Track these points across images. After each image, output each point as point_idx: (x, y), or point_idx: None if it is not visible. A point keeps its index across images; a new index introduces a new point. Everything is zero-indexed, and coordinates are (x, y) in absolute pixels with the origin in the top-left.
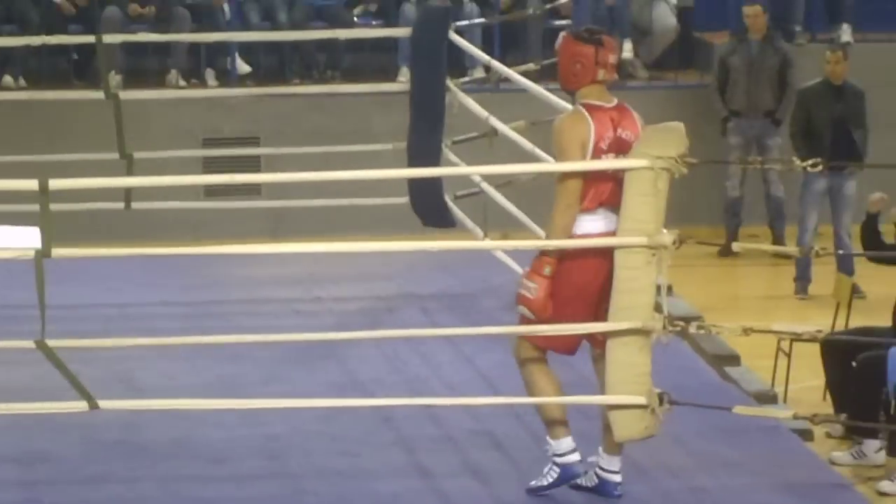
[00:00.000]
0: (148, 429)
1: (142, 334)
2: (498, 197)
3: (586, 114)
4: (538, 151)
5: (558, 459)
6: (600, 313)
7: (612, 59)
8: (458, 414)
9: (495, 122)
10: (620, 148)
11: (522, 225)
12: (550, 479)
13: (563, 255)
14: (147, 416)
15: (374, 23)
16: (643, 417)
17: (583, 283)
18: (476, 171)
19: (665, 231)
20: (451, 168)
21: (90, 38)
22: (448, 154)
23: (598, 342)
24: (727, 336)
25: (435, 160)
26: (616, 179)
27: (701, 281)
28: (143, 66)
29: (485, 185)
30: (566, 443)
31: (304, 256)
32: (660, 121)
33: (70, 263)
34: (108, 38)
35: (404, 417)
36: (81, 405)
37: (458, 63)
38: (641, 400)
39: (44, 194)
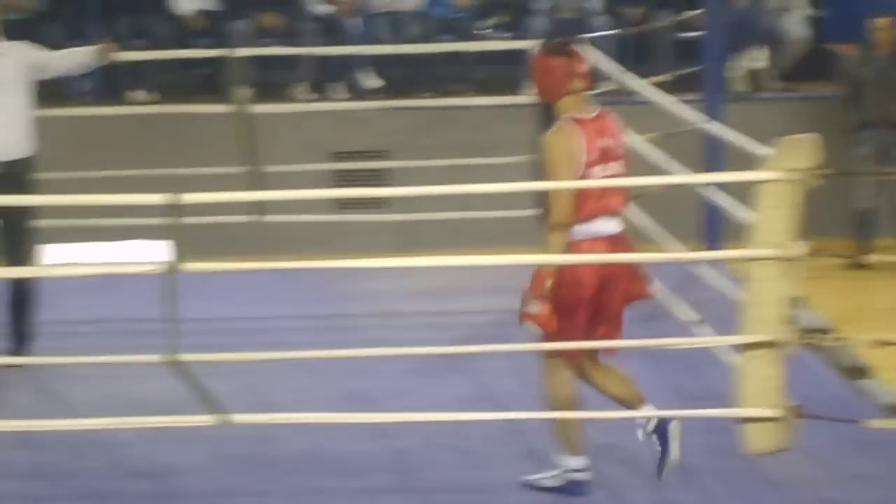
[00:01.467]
0: (278, 442)
1: (272, 348)
2: (629, 209)
3: (575, 127)
4: (670, 164)
5: (569, 474)
6: (598, 320)
7: (582, 68)
8: (588, 427)
9: (626, 135)
10: (607, 157)
11: (652, 237)
12: (552, 484)
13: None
14: (277, 429)
15: (502, 35)
16: (775, 430)
17: (581, 291)
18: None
19: (797, 243)
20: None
21: (220, 52)
22: None
23: (606, 352)
24: (859, 348)
25: None
26: (612, 189)
27: (832, 293)
28: (271, 80)
29: None
30: (581, 461)
31: (433, 269)
32: (791, 132)
33: (201, 277)
34: (238, 52)
35: (534, 430)
36: (212, 419)
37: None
38: (773, 413)
39: (176, 208)
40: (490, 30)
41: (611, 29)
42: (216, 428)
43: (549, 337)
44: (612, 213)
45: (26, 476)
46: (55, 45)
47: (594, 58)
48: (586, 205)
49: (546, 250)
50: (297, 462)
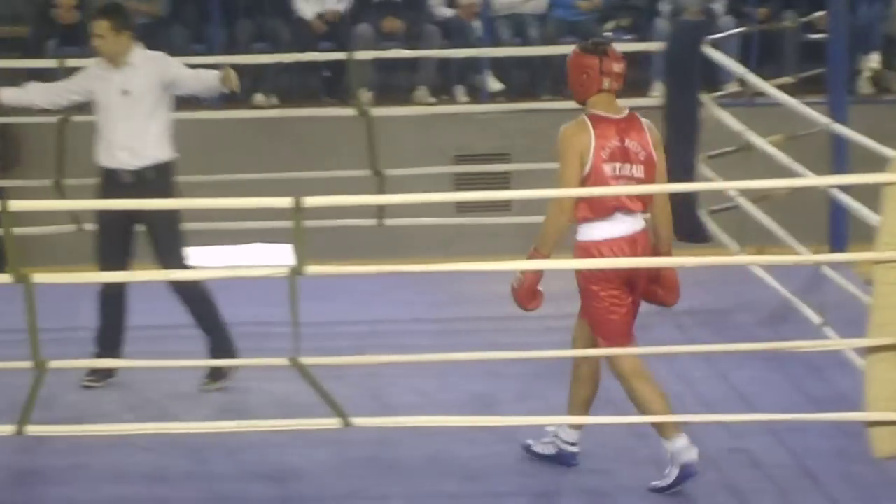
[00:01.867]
0: (400, 446)
1: (394, 351)
2: (754, 212)
3: (589, 123)
4: (795, 166)
5: (676, 458)
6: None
7: (616, 68)
8: (713, 431)
9: (751, 137)
10: (626, 158)
11: (779, 240)
12: (671, 479)
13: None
14: (399, 433)
15: (626, 38)
16: None
17: (612, 288)
18: (732, 185)
19: None
20: (707, 183)
21: (341, 55)
22: (703, 169)
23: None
24: None
25: (690, 175)
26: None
27: None
28: (393, 83)
29: (741, 200)
30: (681, 441)
31: (556, 272)
32: None
33: (322, 280)
34: (360, 55)
35: (656, 435)
36: (334, 422)
37: (713, 77)
38: None
39: (298, 211)
40: (612, 32)
41: (735, 30)
42: (339, 431)
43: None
44: (630, 211)
45: (151, 479)
46: (177, 50)
47: (719, 59)
48: (604, 202)
49: (541, 235)
50: (420, 466)
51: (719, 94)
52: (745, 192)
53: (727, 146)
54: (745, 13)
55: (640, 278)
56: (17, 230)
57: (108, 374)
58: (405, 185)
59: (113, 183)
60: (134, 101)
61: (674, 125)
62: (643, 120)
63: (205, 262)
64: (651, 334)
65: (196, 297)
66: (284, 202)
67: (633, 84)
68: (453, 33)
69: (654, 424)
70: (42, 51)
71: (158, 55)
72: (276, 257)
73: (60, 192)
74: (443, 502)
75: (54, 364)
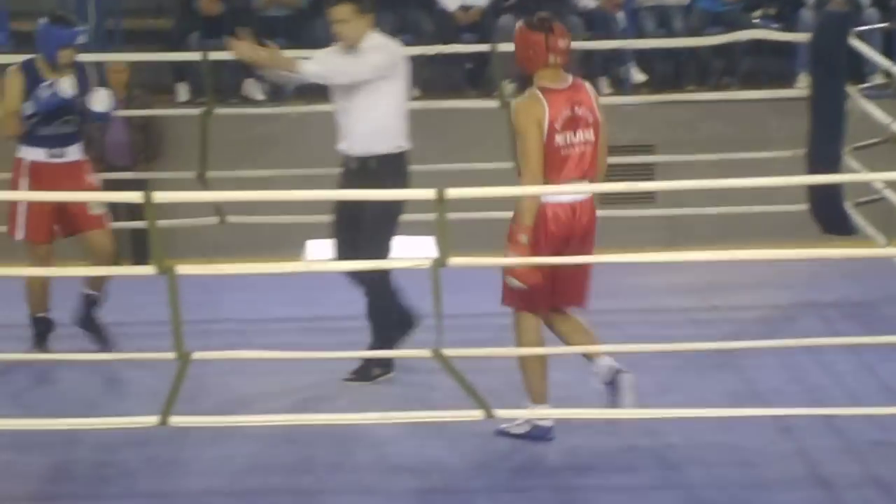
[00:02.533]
0: (543, 439)
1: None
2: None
3: (541, 96)
4: None
5: (535, 421)
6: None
7: (561, 44)
8: (860, 424)
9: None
10: (577, 125)
11: None
12: (520, 431)
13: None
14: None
15: (773, 26)
16: None
17: (540, 250)
18: (878, 177)
19: None
20: (852, 175)
21: (484, 47)
22: (848, 161)
23: (572, 299)
24: None
25: (835, 167)
26: (578, 154)
27: None
28: None
29: (887, 192)
30: (541, 409)
31: (700, 264)
32: None
33: (465, 272)
34: (503, 47)
35: (804, 428)
36: (477, 414)
37: (858, 69)
38: None
39: (441, 203)
40: (758, 21)
41: (881, 22)
42: (481, 423)
43: (522, 290)
44: (577, 180)
45: (293, 470)
46: (319, 42)
47: (865, 50)
48: (550, 172)
49: (519, 208)
50: (563, 459)
51: (865, 85)
52: (891, 184)
53: (873, 138)
54: (891, 6)
55: (569, 247)
56: (162, 222)
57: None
58: None
59: (345, 168)
60: (360, 88)
61: (819, 116)
62: (591, 88)
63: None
64: (795, 327)
65: (378, 292)
66: (427, 194)
67: (779, 75)
68: (597, 24)
69: (526, 387)
70: (185, 43)
71: (386, 42)
72: (419, 249)
73: (204, 183)
74: (585, 495)
75: (197, 355)
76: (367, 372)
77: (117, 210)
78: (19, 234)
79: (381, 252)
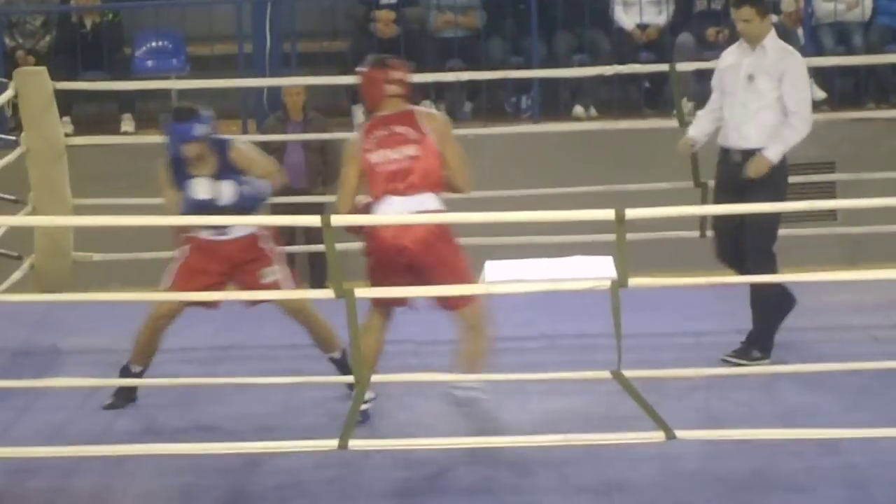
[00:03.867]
0: (725, 459)
1: (716, 364)
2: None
3: (362, 129)
4: None
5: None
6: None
7: (397, 75)
8: None
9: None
10: (395, 142)
11: None
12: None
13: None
14: (724, 445)
15: None
16: None
17: (382, 255)
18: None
19: None
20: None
21: (663, 67)
22: None
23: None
24: None
25: None
26: (397, 168)
27: None
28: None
29: None
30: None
31: (884, 282)
32: None
33: (645, 292)
34: (681, 66)
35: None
36: (658, 435)
37: None
38: None
39: (620, 224)
40: None
41: None
42: (663, 445)
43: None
44: (401, 194)
45: (473, 492)
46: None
47: None
48: (376, 188)
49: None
50: (745, 479)
51: None
52: None
53: None
54: None
55: (403, 255)
56: (339, 245)
57: None
58: None
59: (725, 160)
60: (753, 86)
61: None
62: (423, 111)
63: (522, 275)
64: None
65: (768, 302)
66: (606, 214)
67: None
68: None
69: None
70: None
71: (786, 49)
72: (597, 270)
73: None
74: None
75: (377, 378)
76: (747, 352)
77: (295, 233)
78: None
79: (771, 234)
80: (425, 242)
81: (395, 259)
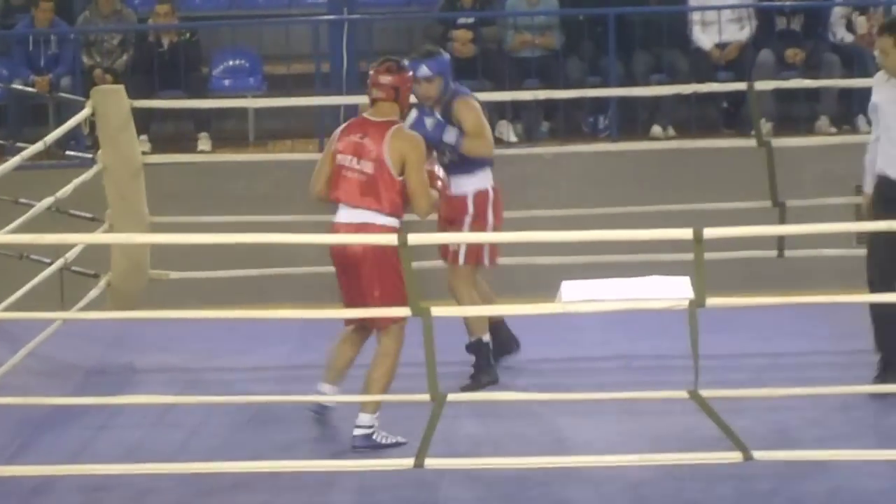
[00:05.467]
0: (802, 480)
1: (795, 384)
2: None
3: (343, 126)
4: None
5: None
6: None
7: (384, 80)
8: None
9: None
10: (359, 153)
11: None
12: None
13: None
14: (802, 466)
15: None
16: None
17: (335, 260)
18: None
19: None
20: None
21: (741, 86)
22: None
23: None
24: None
25: None
26: (356, 179)
27: None
28: (793, 113)
29: None
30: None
31: None
32: None
33: (722, 312)
34: (760, 85)
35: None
36: (735, 455)
37: None
38: None
39: (698, 243)
40: None
41: None
42: (740, 465)
43: None
44: (351, 205)
45: None
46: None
47: None
48: (335, 190)
49: None
50: (821, 500)
51: None
52: None
53: None
54: None
55: (346, 269)
56: (416, 264)
57: None
58: (806, 215)
59: (886, 190)
60: None
61: None
62: (396, 130)
63: (599, 294)
64: None
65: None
66: (684, 234)
67: None
68: (853, 61)
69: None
70: None
71: None
72: (674, 289)
73: None
74: None
75: (452, 397)
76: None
77: None
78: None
79: None
80: (361, 258)
81: (341, 264)
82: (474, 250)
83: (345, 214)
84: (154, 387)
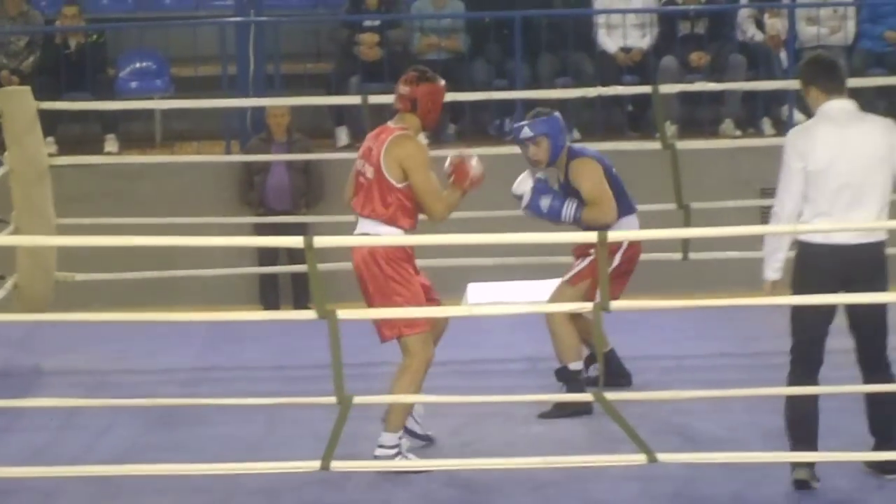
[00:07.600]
0: (706, 482)
1: (701, 386)
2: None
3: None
4: None
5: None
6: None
7: (401, 90)
8: None
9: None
10: (367, 158)
11: None
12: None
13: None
14: (705, 469)
15: None
16: None
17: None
18: None
19: None
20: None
21: (646, 89)
22: None
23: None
24: None
25: None
26: (364, 183)
27: None
28: (698, 116)
29: None
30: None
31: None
32: None
33: (628, 315)
34: (664, 89)
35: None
36: (640, 458)
37: None
38: None
39: (602, 246)
40: None
41: None
42: (643, 468)
43: None
44: (356, 212)
45: None
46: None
47: None
48: (352, 199)
49: None
50: (725, 502)
51: None
52: None
53: None
54: None
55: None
56: (322, 266)
57: None
58: (710, 218)
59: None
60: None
61: None
62: (396, 136)
63: (504, 297)
64: None
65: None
66: (590, 237)
67: None
68: (759, 63)
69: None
70: (345, 88)
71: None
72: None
73: None
74: None
75: (358, 399)
76: None
77: (278, 254)
78: None
79: None
80: (359, 269)
81: (356, 275)
82: (587, 273)
83: (358, 224)
84: (61, 389)
